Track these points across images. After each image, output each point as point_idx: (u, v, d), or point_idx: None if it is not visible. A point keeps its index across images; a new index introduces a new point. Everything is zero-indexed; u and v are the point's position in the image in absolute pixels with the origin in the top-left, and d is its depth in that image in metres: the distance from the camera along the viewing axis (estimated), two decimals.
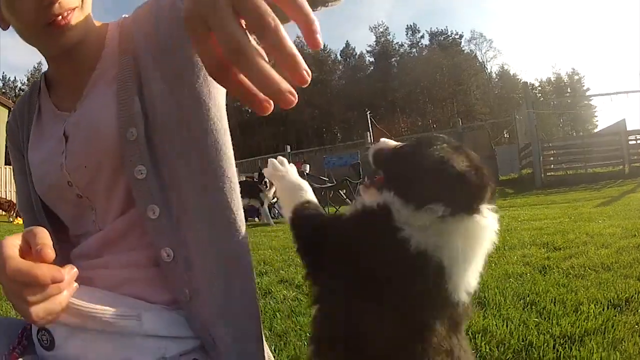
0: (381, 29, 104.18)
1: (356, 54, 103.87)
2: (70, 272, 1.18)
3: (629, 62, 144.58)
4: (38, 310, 1.11)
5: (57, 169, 1.52)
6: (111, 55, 1.62)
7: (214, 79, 0.80)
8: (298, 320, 3.71)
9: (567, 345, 2.73)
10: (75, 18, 1.49)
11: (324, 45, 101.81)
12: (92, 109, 1.53)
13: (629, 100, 24.83)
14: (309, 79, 0.78)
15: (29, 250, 1.14)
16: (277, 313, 3.98)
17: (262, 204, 16.06)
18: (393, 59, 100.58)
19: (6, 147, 1.87)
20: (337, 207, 15.79)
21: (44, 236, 1.16)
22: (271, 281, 5.37)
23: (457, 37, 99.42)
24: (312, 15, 0.81)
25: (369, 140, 27.32)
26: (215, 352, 1.40)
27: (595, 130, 61.55)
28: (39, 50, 1.60)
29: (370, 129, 31.20)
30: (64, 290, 1.16)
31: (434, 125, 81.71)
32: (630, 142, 21.62)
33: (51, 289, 1.12)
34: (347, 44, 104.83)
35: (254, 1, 0.75)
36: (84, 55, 1.61)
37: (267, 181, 15.50)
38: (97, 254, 1.52)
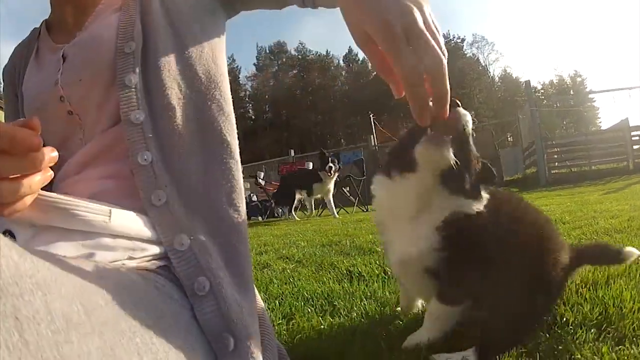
0: None
1: (359, 59, 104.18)
2: (49, 153, 1.06)
3: (631, 63, 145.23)
4: (5, 188, 1.01)
5: (51, 85, 1.55)
6: None
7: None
8: (296, 284, 3.58)
9: (591, 288, 2.59)
10: None
11: (327, 51, 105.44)
12: (94, 29, 1.62)
13: (631, 99, 24.93)
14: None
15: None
16: (274, 279, 3.87)
17: (310, 194, 14.83)
18: None
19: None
20: (341, 206, 15.65)
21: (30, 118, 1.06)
22: (270, 257, 5.28)
23: (459, 41, 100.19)
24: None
25: (372, 143, 27.34)
26: (188, 254, 1.35)
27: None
28: None
29: (374, 131, 31.27)
30: (38, 172, 1.07)
31: None
32: (634, 138, 21.69)
33: (25, 163, 1.02)
34: (350, 50, 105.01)
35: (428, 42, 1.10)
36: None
37: (332, 167, 14.34)
38: (77, 170, 1.50)
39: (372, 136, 28.66)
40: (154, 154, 1.44)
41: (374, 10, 1.12)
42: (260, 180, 18.33)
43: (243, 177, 1.59)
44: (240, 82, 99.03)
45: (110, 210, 1.26)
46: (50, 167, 1.23)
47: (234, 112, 1.69)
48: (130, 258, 1.29)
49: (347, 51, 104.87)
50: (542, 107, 27.96)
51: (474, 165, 1.79)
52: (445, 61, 1.11)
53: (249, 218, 17.20)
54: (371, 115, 34.24)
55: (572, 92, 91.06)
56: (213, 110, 1.59)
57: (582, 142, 22.69)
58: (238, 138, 1.66)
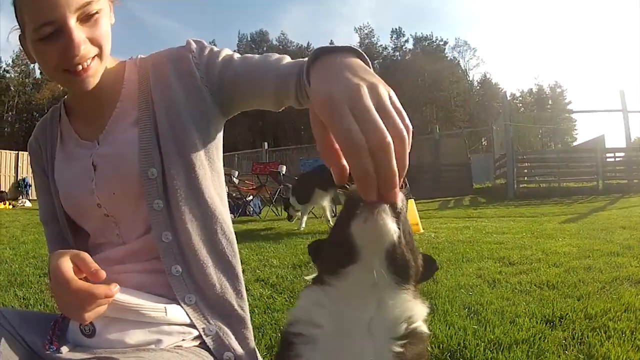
0: (366, 31, 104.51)
1: None
2: (114, 288, 1.54)
3: (611, 78, 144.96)
4: (91, 315, 1.50)
5: (89, 193, 1.81)
6: (130, 95, 1.91)
7: (329, 155, 1.12)
8: (273, 316, 4.18)
9: (496, 350, 3.20)
10: (94, 66, 1.72)
11: (308, 43, 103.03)
12: (118, 147, 1.82)
13: (609, 116, 25.21)
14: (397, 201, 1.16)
15: (79, 271, 1.52)
16: (255, 309, 4.43)
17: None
18: (376, 62, 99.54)
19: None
20: None
21: (90, 260, 1.54)
22: (248, 279, 5.80)
23: (441, 43, 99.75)
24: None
25: None
26: (217, 337, 1.81)
27: (575, 144, 61.26)
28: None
29: None
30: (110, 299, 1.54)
31: (413, 130, 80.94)
32: (608, 160, 22.19)
33: (102, 300, 1.50)
34: (331, 42, 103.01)
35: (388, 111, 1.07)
36: (103, 93, 1.85)
37: None
38: (121, 260, 1.83)
39: None
40: (182, 267, 1.80)
41: (323, 85, 1.16)
42: (235, 179, 18.28)
43: None
44: None
45: (165, 307, 1.70)
46: (89, 250, 1.85)
47: None
48: (184, 340, 1.74)
49: (328, 43, 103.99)
50: (518, 120, 28.12)
51: (415, 249, 1.41)
52: (400, 139, 1.05)
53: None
54: None
55: (550, 102, 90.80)
56: (218, 235, 1.89)
57: (554, 159, 23.21)
58: None
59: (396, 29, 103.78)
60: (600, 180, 21.34)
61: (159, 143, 1.81)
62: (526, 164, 23.38)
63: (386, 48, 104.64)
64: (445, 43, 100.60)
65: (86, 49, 1.65)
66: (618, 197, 18.11)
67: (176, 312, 1.74)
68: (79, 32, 1.61)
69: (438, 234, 9.74)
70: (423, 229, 10.40)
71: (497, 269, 5.95)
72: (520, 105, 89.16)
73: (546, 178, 22.82)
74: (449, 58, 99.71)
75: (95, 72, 1.74)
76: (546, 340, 3.41)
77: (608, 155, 22.43)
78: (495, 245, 7.85)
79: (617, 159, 22.71)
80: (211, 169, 1.93)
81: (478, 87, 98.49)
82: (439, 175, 26.19)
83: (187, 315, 1.77)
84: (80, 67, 1.67)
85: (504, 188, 22.32)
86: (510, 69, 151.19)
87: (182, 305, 1.77)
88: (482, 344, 3.34)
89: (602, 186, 21.04)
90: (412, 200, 11.10)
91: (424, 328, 1.37)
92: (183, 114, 1.85)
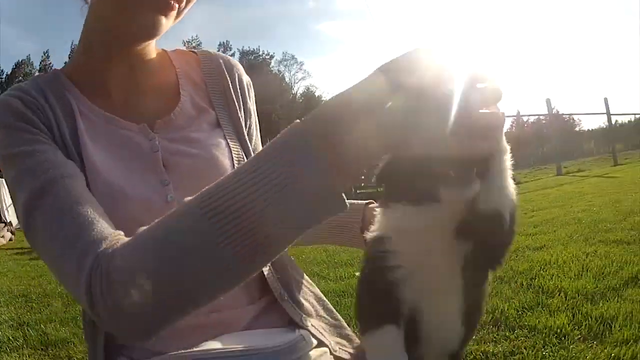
0: (194, 44, 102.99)
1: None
2: None
3: None
4: None
5: (162, 203, 1.34)
6: (195, 88, 1.56)
7: None
8: None
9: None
10: (172, 15, 1.33)
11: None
12: (208, 149, 1.44)
13: None
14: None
15: None
16: None
17: None
18: None
19: None
20: None
21: None
22: None
23: (267, 57, 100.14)
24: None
25: None
26: None
27: None
28: (108, 30, 1.37)
29: None
30: None
31: None
32: None
33: None
34: None
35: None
36: (147, 64, 1.49)
37: None
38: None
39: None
40: (285, 290, 1.53)
41: None
42: None
43: None
44: None
45: (301, 334, 1.43)
46: None
47: None
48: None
49: None
50: None
51: None
52: None
53: None
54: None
55: None
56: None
57: None
58: None
59: (223, 42, 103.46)
60: None
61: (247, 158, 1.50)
62: None
63: None
64: (272, 57, 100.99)
65: None
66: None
67: (308, 336, 1.44)
68: None
69: None
70: None
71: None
72: None
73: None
74: (274, 71, 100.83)
75: (169, 22, 1.35)
76: None
77: None
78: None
79: None
80: None
81: (300, 100, 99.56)
82: None
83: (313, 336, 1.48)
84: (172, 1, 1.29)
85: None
86: (335, 80, 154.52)
87: (304, 326, 1.48)
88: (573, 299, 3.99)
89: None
90: None
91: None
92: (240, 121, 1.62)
